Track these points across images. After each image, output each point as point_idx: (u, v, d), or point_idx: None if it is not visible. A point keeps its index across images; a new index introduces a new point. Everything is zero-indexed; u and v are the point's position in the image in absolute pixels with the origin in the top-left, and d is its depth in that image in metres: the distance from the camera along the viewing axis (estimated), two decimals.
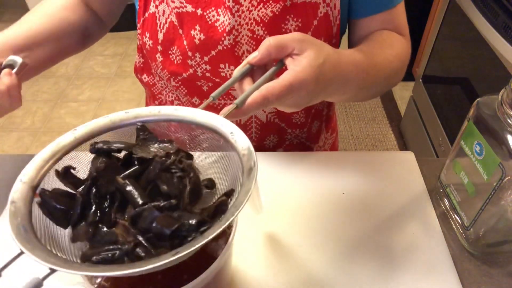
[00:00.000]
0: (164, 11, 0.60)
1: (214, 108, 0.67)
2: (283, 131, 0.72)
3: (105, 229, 0.35)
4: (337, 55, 0.49)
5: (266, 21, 0.58)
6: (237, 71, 0.46)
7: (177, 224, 0.33)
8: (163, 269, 0.38)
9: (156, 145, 0.40)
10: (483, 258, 0.52)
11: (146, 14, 0.62)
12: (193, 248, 0.29)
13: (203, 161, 0.44)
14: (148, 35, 0.63)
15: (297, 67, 0.44)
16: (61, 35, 0.66)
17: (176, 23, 0.60)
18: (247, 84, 0.45)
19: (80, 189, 0.37)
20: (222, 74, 0.62)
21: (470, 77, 1.30)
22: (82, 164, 0.40)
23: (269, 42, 0.45)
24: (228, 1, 0.57)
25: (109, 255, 0.34)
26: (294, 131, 0.73)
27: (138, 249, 0.33)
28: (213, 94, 0.44)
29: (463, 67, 1.35)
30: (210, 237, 0.30)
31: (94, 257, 0.34)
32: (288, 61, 0.45)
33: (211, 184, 0.42)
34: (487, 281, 0.49)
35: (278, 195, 0.59)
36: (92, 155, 0.39)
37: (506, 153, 0.43)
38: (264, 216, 0.55)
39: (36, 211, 0.35)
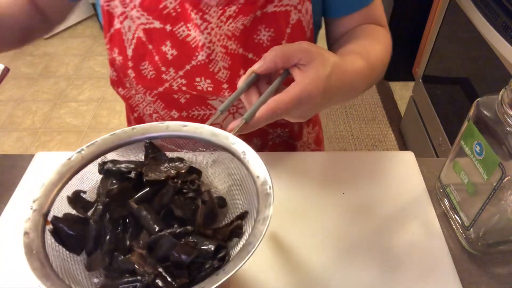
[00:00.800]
0: (130, 27, 0.58)
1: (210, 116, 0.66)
2: (265, 132, 0.72)
3: (121, 257, 0.35)
4: (343, 64, 0.48)
5: (238, 34, 0.57)
6: (243, 82, 0.45)
7: (196, 253, 0.33)
8: None
9: (166, 164, 0.39)
10: (483, 258, 0.52)
11: (112, 30, 0.60)
12: (218, 284, 0.29)
13: (211, 173, 0.43)
14: (116, 51, 0.61)
15: (305, 79, 0.43)
16: (1, 26, 0.62)
17: (144, 39, 0.58)
18: (254, 96, 0.45)
19: (91, 213, 0.36)
20: (199, 87, 0.61)
21: (470, 77, 1.30)
22: (91, 183, 0.39)
23: (276, 52, 0.44)
24: (196, 19, 0.55)
25: (130, 287, 0.33)
26: (275, 130, 0.72)
27: (157, 280, 0.32)
28: (220, 108, 0.44)
29: (463, 67, 1.35)
30: (233, 271, 0.30)
31: None
32: (295, 72, 0.44)
33: (222, 202, 0.41)
34: (487, 281, 0.49)
35: (278, 195, 0.59)
36: (101, 174, 0.38)
37: (506, 153, 0.43)
38: None
39: (49, 239, 0.34)
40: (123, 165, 0.38)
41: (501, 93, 0.45)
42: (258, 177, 0.36)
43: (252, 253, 0.31)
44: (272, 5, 0.56)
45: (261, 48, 0.59)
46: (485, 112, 0.47)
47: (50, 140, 1.99)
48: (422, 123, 1.65)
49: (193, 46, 0.57)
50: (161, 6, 0.55)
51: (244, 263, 0.30)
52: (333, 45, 0.66)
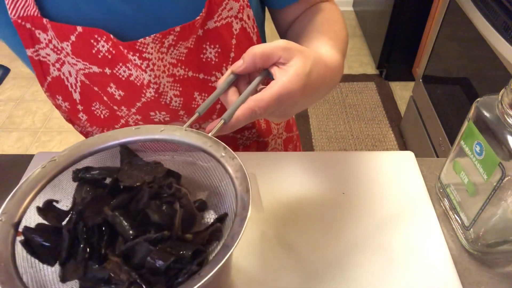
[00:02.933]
0: (70, 72, 0.55)
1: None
2: (234, 139, 0.70)
3: (96, 266, 0.34)
4: (323, 60, 0.47)
5: (183, 59, 0.55)
6: (222, 82, 0.44)
7: (172, 258, 0.32)
8: None
9: (142, 169, 0.38)
10: (483, 258, 0.52)
11: (49, 78, 0.56)
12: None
13: (191, 176, 0.42)
14: (60, 98, 0.58)
15: (284, 77, 0.42)
16: None
17: (87, 82, 0.56)
18: (233, 96, 0.43)
19: (65, 222, 0.35)
20: (155, 119, 0.60)
21: (470, 77, 1.30)
22: (66, 192, 0.38)
23: (254, 51, 0.43)
24: (134, 60, 0.52)
25: None
26: (243, 134, 0.71)
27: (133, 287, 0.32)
28: (199, 109, 0.43)
29: (463, 67, 1.35)
30: (209, 276, 0.29)
31: None
32: (274, 70, 0.43)
33: (202, 206, 0.41)
34: (487, 281, 0.49)
35: (278, 195, 0.59)
36: (75, 183, 0.37)
37: (506, 153, 0.43)
38: (264, 216, 0.55)
39: (21, 251, 0.33)
40: (97, 172, 0.37)
41: (501, 93, 0.45)
42: (236, 178, 0.35)
43: (229, 256, 0.30)
44: (212, 21, 0.54)
45: (210, 66, 0.57)
46: (485, 112, 0.47)
47: (50, 140, 1.99)
48: (422, 123, 1.65)
49: (138, 84, 0.55)
50: (94, 51, 0.53)
51: (220, 267, 0.29)
52: (285, 34, 0.64)
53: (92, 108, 0.59)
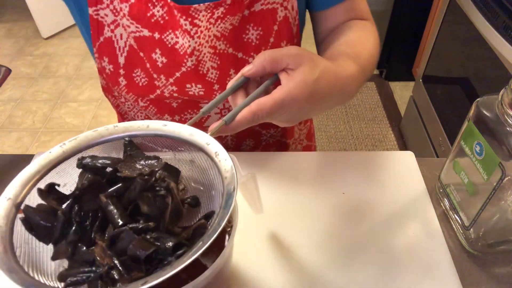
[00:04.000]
0: (121, 35, 0.58)
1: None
2: (258, 133, 0.72)
3: (84, 248, 0.35)
4: (334, 69, 0.47)
5: (227, 34, 0.57)
6: (231, 84, 0.45)
7: (153, 249, 0.34)
8: None
9: (142, 162, 0.40)
10: (483, 258, 0.52)
11: (101, 39, 0.59)
12: (161, 279, 0.29)
13: (187, 172, 0.43)
14: (106, 59, 0.61)
15: (290, 83, 0.43)
16: None
17: (135, 47, 0.58)
18: (240, 98, 0.44)
19: (64, 206, 0.37)
20: (190, 92, 0.61)
21: (470, 77, 1.30)
22: (70, 178, 0.40)
23: (264, 56, 0.44)
24: (185, 25, 0.55)
25: (84, 277, 0.34)
26: (268, 131, 0.72)
27: (113, 272, 0.33)
28: (203, 109, 0.43)
29: (463, 67, 1.35)
30: (179, 268, 0.30)
31: (69, 279, 0.34)
32: (282, 76, 0.44)
33: (195, 202, 0.42)
34: (487, 281, 0.49)
35: (278, 195, 0.59)
36: (79, 169, 0.39)
37: (506, 153, 0.43)
38: (264, 216, 0.55)
39: (19, 228, 0.35)
40: (99, 161, 0.39)
41: (501, 93, 0.45)
42: (226, 177, 0.37)
43: (200, 253, 0.31)
44: (259, 3, 0.56)
45: (250, 47, 0.59)
46: (485, 112, 0.47)
47: (50, 140, 1.99)
48: (422, 123, 1.65)
49: (181, 53, 0.57)
50: (148, 14, 0.55)
51: (189, 261, 0.30)
52: (321, 43, 0.66)
53: (133, 75, 0.61)
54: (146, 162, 0.40)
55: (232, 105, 0.46)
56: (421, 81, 1.65)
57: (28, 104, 2.20)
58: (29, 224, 0.35)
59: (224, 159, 0.38)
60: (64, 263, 0.36)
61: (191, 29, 0.55)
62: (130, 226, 0.35)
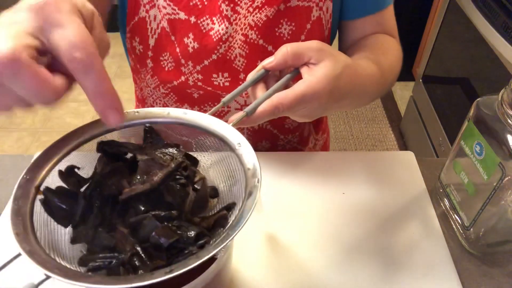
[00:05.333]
0: (155, 16, 0.59)
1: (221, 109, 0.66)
2: (276, 137, 0.72)
3: (104, 233, 0.35)
4: (355, 67, 0.47)
5: (260, 25, 0.58)
6: (251, 76, 0.45)
7: (176, 237, 0.33)
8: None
9: (162, 150, 0.40)
10: (483, 258, 0.51)
11: (136, 18, 0.60)
12: (187, 269, 0.29)
13: (206, 162, 0.43)
14: (137, 39, 0.61)
15: (312, 77, 0.42)
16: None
17: (168, 30, 0.59)
18: (260, 91, 0.44)
19: (83, 189, 0.37)
20: (215, 83, 0.61)
21: (470, 77, 1.30)
22: (88, 161, 0.40)
23: (287, 49, 0.43)
24: (226, 11, 0.56)
25: (106, 262, 0.33)
26: (286, 136, 0.72)
27: (135, 259, 0.33)
28: (224, 99, 0.43)
29: (463, 67, 1.35)
30: (205, 258, 0.30)
31: (91, 264, 0.33)
32: (304, 70, 0.44)
33: (214, 193, 0.42)
34: (487, 281, 0.49)
35: (278, 195, 0.59)
36: (98, 154, 0.39)
37: (506, 153, 0.43)
38: (264, 216, 0.55)
39: (38, 209, 0.35)
40: (120, 148, 0.39)
41: (501, 93, 0.45)
42: (249, 169, 0.36)
43: (226, 244, 0.31)
44: None
45: (281, 41, 0.59)
46: (485, 112, 0.47)
47: (50, 140, 1.97)
48: (422, 123, 1.65)
49: (215, 39, 0.58)
50: None
51: (216, 252, 0.30)
52: (345, 52, 0.66)
53: (161, 58, 0.61)
54: (167, 150, 0.40)
55: (251, 98, 0.45)
56: (421, 81, 1.65)
57: None
58: (48, 206, 0.35)
59: (247, 150, 0.37)
60: (83, 248, 0.36)
61: (231, 15, 0.56)
62: (153, 213, 0.35)
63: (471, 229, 0.51)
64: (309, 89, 0.42)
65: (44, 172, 0.36)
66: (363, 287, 0.48)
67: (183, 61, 0.60)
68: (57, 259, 0.32)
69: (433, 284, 0.48)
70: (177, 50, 0.59)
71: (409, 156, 0.64)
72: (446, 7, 1.43)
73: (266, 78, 0.46)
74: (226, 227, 0.34)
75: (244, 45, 0.59)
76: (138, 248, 0.33)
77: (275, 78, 0.46)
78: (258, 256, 0.51)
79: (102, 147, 0.39)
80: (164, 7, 0.57)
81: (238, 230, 0.31)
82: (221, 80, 0.61)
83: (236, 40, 0.58)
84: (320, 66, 0.43)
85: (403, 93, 2.17)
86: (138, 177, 0.38)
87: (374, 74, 0.52)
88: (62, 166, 0.38)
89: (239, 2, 0.56)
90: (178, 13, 0.57)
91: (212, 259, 0.37)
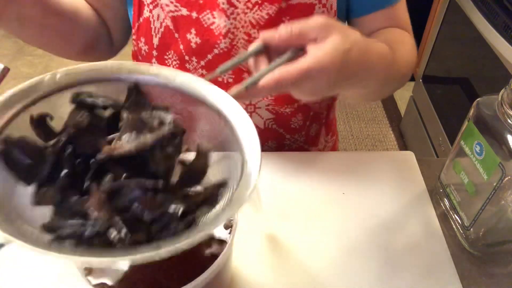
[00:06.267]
0: (158, 15, 0.59)
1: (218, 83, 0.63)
2: (282, 137, 0.71)
3: (76, 197, 0.30)
4: (366, 43, 0.44)
5: (262, 23, 0.57)
6: (252, 47, 0.42)
7: (161, 210, 0.29)
8: (162, 268, 0.36)
9: (148, 111, 0.34)
10: (483, 258, 0.51)
11: (141, 19, 0.61)
12: (178, 245, 0.25)
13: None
14: (143, 40, 0.62)
15: (318, 51, 0.39)
16: (76, 20, 0.61)
17: (171, 27, 0.59)
18: (263, 64, 0.41)
19: (52, 142, 0.31)
20: (219, 79, 0.61)
21: (470, 77, 1.30)
22: (57, 114, 0.34)
23: (291, 29, 0.40)
24: (223, 4, 0.56)
25: (76, 231, 0.28)
26: (293, 136, 0.72)
27: (112, 230, 0.28)
28: (220, 68, 0.40)
29: (463, 67, 1.35)
30: (199, 236, 0.26)
31: (60, 230, 0.28)
32: (310, 46, 0.41)
33: (223, 184, 0.36)
34: (487, 281, 0.49)
35: (278, 195, 0.59)
36: (71, 106, 0.34)
37: (506, 153, 0.43)
38: (264, 216, 0.55)
39: None
40: (100, 99, 0.33)
41: (501, 93, 0.45)
42: (253, 149, 0.32)
43: (221, 224, 0.27)
44: None
45: None
46: (485, 112, 0.47)
47: None
48: (422, 123, 1.65)
49: (216, 34, 0.58)
50: None
51: (210, 231, 0.27)
52: None
53: (165, 57, 0.62)
54: (153, 112, 0.34)
55: (252, 70, 0.42)
56: (421, 81, 1.66)
57: None
58: (9, 158, 0.30)
59: (245, 121, 0.33)
60: (46, 212, 0.30)
61: (228, 9, 0.56)
62: (137, 180, 0.30)
63: (471, 229, 0.51)
64: (316, 63, 0.39)
65: (7, 117, 0.31)
66: (363, 287, 0.48)
67: (187, 58, 0.60)
68: (18, 222, 0.28)
69: (433, 284, 0.48)
70: (181, 47, 0.60)
71: (409, 156, 0.64)
72: (446, 7, 1.43)
73: (269, 52, 0.42)
74: (216, 207, 0.30)
75: (248, 44, 0.58)
76: (117, 218, 0.29)
77: (279, 51, 0.42)
78: (258, 256, 0.51)
79: (78, 97, 0.33)
80: (167, 5, 0.58)
81: (239, 209, 0.28)
82: (225, 75, 0.61)
83: (239, 39, 0.58)
84: (328, 41, 0.40)
85: (403, 93, 2.17)
86: (123, 137, 0.32)
87: (386, 54, 0.49)
88: (28, 114, 0.32)
89: None
90: (180, 10, 0.57)
91: (212, 258, 0.36)
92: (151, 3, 0.59)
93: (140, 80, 0.36)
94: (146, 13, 0.60)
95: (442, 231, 0.54)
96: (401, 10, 0.63)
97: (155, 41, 0.61)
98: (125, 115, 0.33)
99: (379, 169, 0.62)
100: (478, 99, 0.49)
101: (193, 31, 0.58)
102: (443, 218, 0.56)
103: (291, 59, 0.41)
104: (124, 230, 0.28)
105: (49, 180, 0.31)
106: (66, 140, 0.31)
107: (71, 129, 0.32)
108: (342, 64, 0.40)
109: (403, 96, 2.14)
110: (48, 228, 0.29)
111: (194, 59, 0.60)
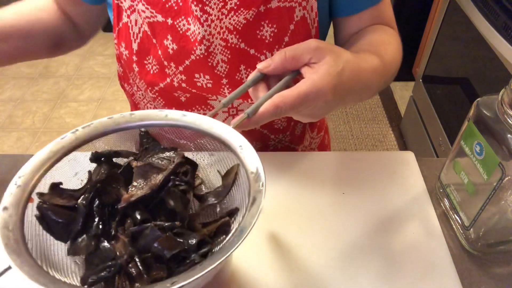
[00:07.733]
0: (136, 21, 0.59)
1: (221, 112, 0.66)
2: (266, 137, 0.71)
3: (105, 243, 0.34)
4: (357, 62, 0.46)
5: (240, 28, 0.56)
6: (251, 76, 0.44)
7: (179, 248, 0.32)
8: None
9: (159, 154, 0.38)
10: (483, 258, 0.51)
11: (120, 24, 0.61)
12: (190, 280, 0.28)
13: (205, 162, 0.42)
14: (123, 45, 0.62)
15: (314, 76, 0.41)
16: (30, 33, 0.65)
17: (149, 33, 0.59)
18: (262, 91, 0.43)
19: (81, 199, 0.35)
20: (198, 84, 0.61)
21: (470, 77, 1.30)
22: (81, 166, 0.39)
23: (284, 54, 0.43)
24: (196, 11, 0.55)
25: (104, 273, 0.32)
26: (277, 136, 0.72)
27: (131, 268, 0.32)
28: (223, 101, 0.42)
29: (463, 67, 1.35)
30: (209, 268, 0.28)
31: (91, 278, 0.32)
32: (305, 70, 0.43)
33: (215, 198, 0.40)
34: (487, 281, 0.49)
35: (278, 195, 0.59)
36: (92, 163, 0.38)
37: (506, 153, 0.43)
38: (264, 216, 0.55)
39: (30, 217, 0.33)
40: (114, 154, 0.38)
41: (501, 93, 0.45)
42: (252, 173, 0.35)
43: (231, 253, 0.29)
44: (276, 0, 0.56)
45: (263, 44, 0.58)
46: (485, 112, 0.47)
47: (50, 140, 1.97)
48: (422, 123, 1.65)
49: (192, 40, 0.57)
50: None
51: (221, 261, 0.29)
52: (342, 46, 0.65)
53: (145, 62, 0.61)
54: (164, 154, 0.38)
55: (253, 98, 0.44)
56: (421, 81, 1.66)
57: (28, 104, 2.20)
58: (45, 222, 0.34)
59: (250, 153, 0.36)
60: (77, 259, 0.34)
61: (201, 16, 0.55)
62: (155, 223, 0.33)
63: (471, 229, 0.51)
64: (313, 87, 0.40)
65: (36, 178, 0.34)
66: (363, 287, 0.48)
67: (165, 63, 0.60)
68: (50, 272, 0.31)
69: (433, 284, 0.48)
70: (159, 52, 0.59)
71: (409, 156, 0.64)
72: (446, 7, 1.43)
73: (267, 79, 0.45)
74: (229, 235, 0.33)
75: (226, 50, 0.58)
76: (136, 258, 0.32)
77: (277, 78, 0.45)
78: (258, 256, 0.51)
79: (96, 156, 0.37)
80: (143, 11, 0.57)
81: (243, 239, 0.30)
82: (203, 81, 0.61)
83: (216, 46, 0.57)
84: (322, 64, 0.42)
85: (403, 93, 2.17)
86: (135, 184, 0.36)
87: (377, 66, 0.51)
88: (55, 171, 0.36)
89: (207, 3, 0.54)
90: (156, 16, 0.57)
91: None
92: (128, 8, 0.58)
93: (149, 125, 0.40)
94: (124, 18, 0.60)
95: (442, 231, 0.54)
96: (386, 7, 0.62)
97: (135, 46, 0.60)
98: (134, 163, 0.37)
99: (379, 169, 0.62)
100: (478, 99, 0.49)
101: (169, 37, 0.58)
102: (443, 218, 0.56)
103: (288, 83, 0.44)
104: (142, 270, 0.32)
105: (81, 232, 0.34)
106: (93, 194, 0.35)
107: (95, 183, 0.36)
108: (337, 85, 0.42)
109: (403, 96, 2.14)
110: (83, 281, 0.32)
111: (172, 64, 0.60)
